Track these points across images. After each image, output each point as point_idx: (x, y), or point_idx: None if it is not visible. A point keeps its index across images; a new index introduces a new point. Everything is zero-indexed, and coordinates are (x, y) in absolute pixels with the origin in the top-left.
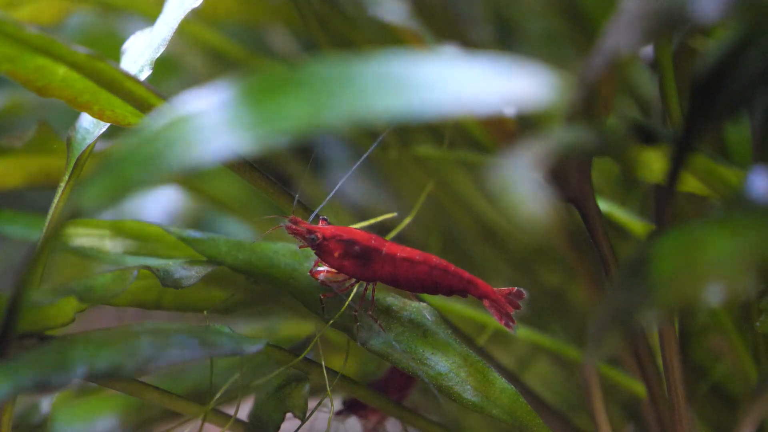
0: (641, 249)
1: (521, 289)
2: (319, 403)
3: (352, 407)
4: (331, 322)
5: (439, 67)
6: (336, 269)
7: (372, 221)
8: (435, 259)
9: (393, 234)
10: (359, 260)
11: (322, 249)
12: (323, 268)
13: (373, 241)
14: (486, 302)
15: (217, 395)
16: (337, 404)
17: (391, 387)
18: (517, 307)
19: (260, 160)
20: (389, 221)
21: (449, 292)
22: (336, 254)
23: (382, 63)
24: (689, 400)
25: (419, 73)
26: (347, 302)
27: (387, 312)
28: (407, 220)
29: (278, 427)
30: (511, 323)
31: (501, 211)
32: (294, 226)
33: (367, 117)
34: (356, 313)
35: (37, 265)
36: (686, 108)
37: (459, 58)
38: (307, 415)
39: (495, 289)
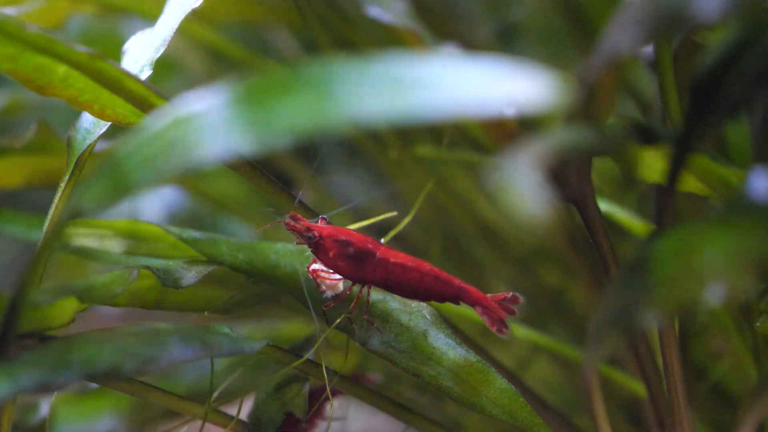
0: (641, 249)
1: (516, 294)
2: (318, 403)
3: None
4: (335, 324)
5: (439, 68)
6: (330, 269)
7: (372, 221)
8: (427, 266)
9: (392, 234)
10: (353, 262)
11: (318, 247)
12: (319, 266)
13: (369, 245)
14: (478, 309)
15: (215, 394)
16: (336, 404)
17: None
18: (512, 313)
19: (261, 159)
20: (390, 221)
21: (441, 299)
22: (331, 254)
23: (383, 64)
24: (689, 400)
25: (419, 74)
26: (352, 306)
27: (387, 312)
28: (406, 220)
29: (278, 427)
30: (504, 329)
31: (501, 211)
32: (293, 223)
33: (367, 118)
34: (349, 315)
35: (38, 265)
36: (686, 108)
37: (459, 59)
38: (307, 415)
39: (488, 295)
